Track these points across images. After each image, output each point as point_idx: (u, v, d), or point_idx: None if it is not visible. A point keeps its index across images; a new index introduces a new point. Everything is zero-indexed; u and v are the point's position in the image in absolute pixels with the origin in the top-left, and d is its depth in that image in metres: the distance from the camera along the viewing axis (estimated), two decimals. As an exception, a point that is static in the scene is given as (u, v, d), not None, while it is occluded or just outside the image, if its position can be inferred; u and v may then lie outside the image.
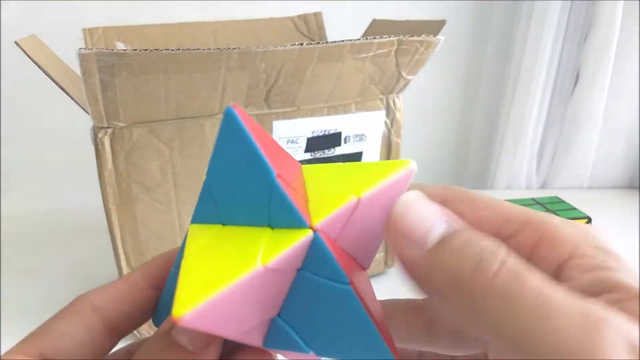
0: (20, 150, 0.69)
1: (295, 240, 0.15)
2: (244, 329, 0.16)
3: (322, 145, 0.43)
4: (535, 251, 0.15)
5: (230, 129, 0.16)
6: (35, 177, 0.71)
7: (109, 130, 0.35)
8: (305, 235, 0.16)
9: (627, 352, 0.12)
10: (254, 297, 0.16)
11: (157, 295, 0.19)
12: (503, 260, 0.13)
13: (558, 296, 0.12)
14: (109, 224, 0.38)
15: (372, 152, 0.46)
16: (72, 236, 0.63)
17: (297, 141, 0.42)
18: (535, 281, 0.13)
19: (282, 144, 0.41)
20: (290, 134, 0.41)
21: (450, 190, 0.17)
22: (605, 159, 0.77)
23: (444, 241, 0.14)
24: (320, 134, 0.42)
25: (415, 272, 0.15)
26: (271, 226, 0.16)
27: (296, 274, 0.16)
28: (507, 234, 0.16)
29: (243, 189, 0.17)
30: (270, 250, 0.15)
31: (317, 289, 0.16)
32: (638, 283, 0.13)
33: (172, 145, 0.37)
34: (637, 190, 0.77)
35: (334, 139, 0.43)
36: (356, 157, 0.45)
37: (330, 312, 0.16)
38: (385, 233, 0.16)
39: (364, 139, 0.45)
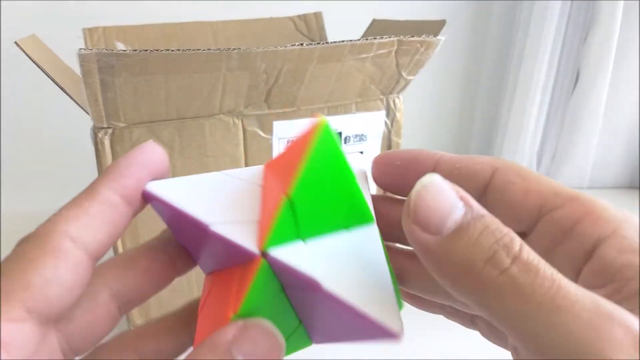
0: (20, 150, 0.69)
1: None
2: None
3: (322, 145, 0.43)
4: (578, 224, 0.15)
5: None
6: (35, 177, 0.71)
7: (109, 131, 0.35)
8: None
9: (634, 349, 0.12)
10: None
11: (133, 212, 0.17)
12: (516, 254, 0.13)
13: (570, 289, 0.12)
14: (109, 224, 0.38)
15: (372, 152, 0.46)
16: (72, 236, 0.63)
17: (297, 141, 0.42)
18: (548, 273, 0.13)
19: (283, 145, 0.41)
20: (290, 134, 0.41)
21: (501, 160, 0.17)
22: (605, 159, 0.77)
23: (460, 230, 0.14)
24: (321, 134, 0.42)
25: (428, 257, 0.14)
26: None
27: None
28: (553, 206, 0.16)
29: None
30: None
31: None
32: None
33: (172, 146, 0.37)
34: (637, 190, 0.77)
35: (334, 139, 0.43)
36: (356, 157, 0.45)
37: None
38: (402, 216, 0.15)
39: (364, 139, 0.45)
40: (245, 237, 0.16)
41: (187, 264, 0.19)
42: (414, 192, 0.15)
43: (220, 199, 0.17)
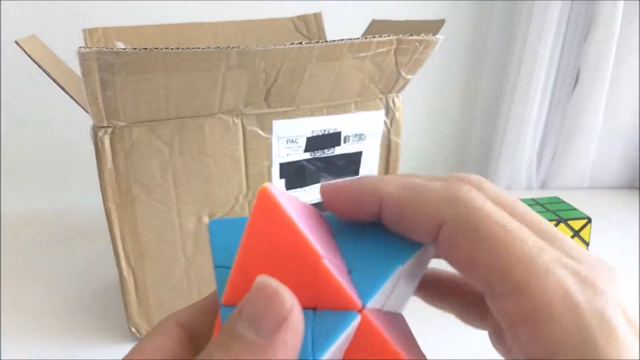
0: (20, 150, 0.69)
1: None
2: None
3: (321, 144, 0.43)
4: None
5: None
6: (35, 177, 0.71)
7: (109, 130, 0.35)
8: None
9: None
10: None
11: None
12: None
13: None
14: (109, 223, 0.38)
15: (371, 151, 0.46)
16: (72, 236, 0.63)
17: (297, 141, 0.42)
18: None
19: (282, 144, 0.41)
20: (289, 133, 0.41)
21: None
22: (605, 159, 0.77)
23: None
24: (320, 134, 0.42)
25: None
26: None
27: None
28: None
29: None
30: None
31: None
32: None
33: (172, 145, 0.37)
34: (637, 190, 0.77)
35: (333, 139, 0.43)
36: (356, 156, 0.45)
37: None
38: None
39: (364, 138, 0.45)
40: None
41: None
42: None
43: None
